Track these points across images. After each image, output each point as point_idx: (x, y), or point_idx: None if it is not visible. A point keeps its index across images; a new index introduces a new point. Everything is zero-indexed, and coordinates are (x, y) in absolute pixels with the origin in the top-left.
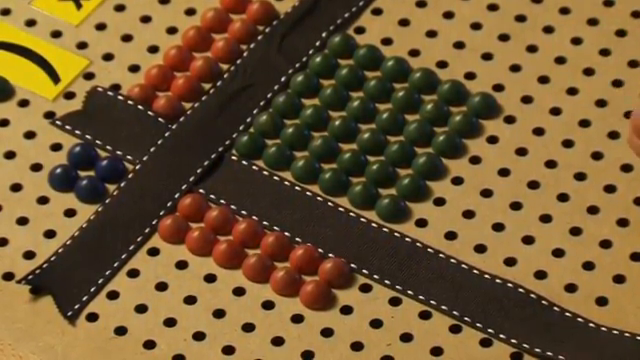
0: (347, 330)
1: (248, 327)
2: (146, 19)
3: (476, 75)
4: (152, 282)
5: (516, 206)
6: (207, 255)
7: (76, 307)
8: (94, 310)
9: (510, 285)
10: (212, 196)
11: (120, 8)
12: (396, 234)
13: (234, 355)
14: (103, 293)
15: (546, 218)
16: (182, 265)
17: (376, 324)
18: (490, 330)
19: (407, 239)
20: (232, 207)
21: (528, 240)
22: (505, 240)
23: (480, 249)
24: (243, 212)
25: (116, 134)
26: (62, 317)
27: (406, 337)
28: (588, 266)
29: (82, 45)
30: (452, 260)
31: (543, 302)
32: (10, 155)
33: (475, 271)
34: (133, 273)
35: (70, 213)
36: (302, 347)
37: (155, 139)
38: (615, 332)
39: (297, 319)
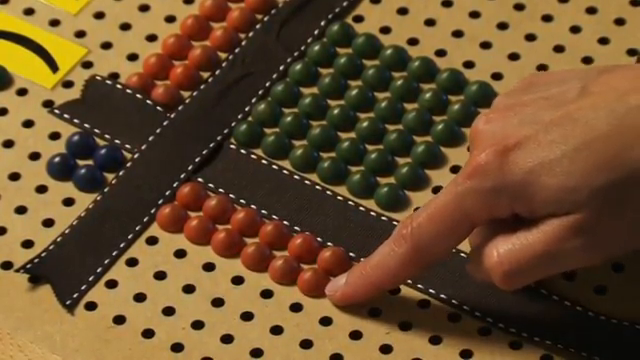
0: (346, 319)
1: (247, 316)
2: (144, 8)
3: (475, 64)
4: (151, 271)
5: None
6: (206, 244)
7: (75, 296)
8: (93, 299)
9: None
10: (211, 185)
11: None
12: (395, 223)
13: (233, 344)
14: (102, 282)
15: None
16: (181, 254)
17: (375, 313)
18: (489, 319)
19: None
20: (231, 196)
21: None
22: None
23: None
24: (242, 201)
25: (114, 123)
26: (61, 306)
27: (405, 325)
28: None
29: (80, 34)
30: None
31: (542, 291)
32: (8, 144)
33: None
34: (132, 262)
35: (69, 202)
36: (301, 336)
37: (154, 128)
38: (614, 321)
39: (296, 308)
